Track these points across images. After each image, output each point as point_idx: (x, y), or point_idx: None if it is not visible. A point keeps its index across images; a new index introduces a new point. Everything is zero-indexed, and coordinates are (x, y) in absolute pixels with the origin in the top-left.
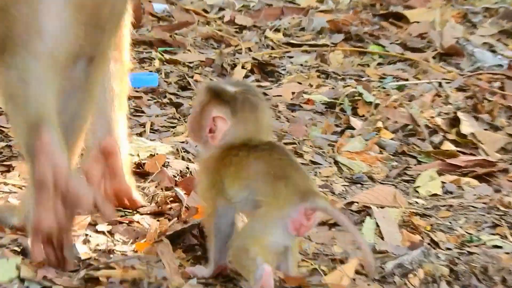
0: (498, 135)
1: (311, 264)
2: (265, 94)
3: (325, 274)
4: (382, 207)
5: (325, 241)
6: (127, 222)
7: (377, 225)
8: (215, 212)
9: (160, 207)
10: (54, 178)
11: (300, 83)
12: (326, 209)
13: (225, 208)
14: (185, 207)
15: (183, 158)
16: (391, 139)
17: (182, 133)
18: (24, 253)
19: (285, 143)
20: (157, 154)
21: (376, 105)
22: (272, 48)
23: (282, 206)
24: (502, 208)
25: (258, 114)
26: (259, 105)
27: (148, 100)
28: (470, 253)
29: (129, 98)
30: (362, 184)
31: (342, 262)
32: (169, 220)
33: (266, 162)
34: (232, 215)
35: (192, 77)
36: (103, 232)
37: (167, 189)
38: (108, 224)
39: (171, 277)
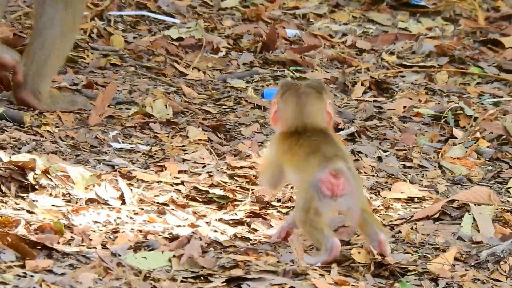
0: None
1: (416, 253)
2: (380, 107)
3: (429, 261)
4: (478, 205)
5: (430, 232)
6: (262, 214)
7: (474, 220)
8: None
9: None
10: None
11: (410, 99)
12: (343, 169)
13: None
14: None
15: None
16: (487, 147)
17: None
18: None
19: (397, 149)
20: None
21: (475, 118)
22: (387, 69)
23: (311, 171)
24: None
25: (299, 100)
26: (301, 94)
27: None
28: None
29: (265, 109)
30: (462, 185)
31: (443, 250)
32: None
33: (306, 145)
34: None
35: None
36: (241, 223)
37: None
38: (247, 216)
39: (298, 261)
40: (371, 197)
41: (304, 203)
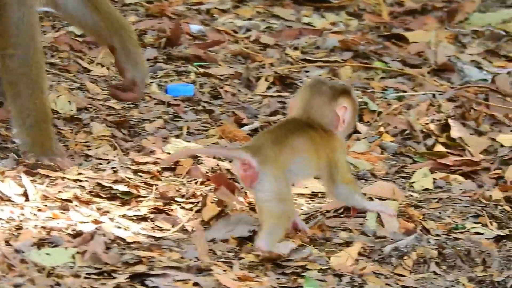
0: (482, 139)
1: (321, 247)
2: (284, 103)
3: (333, 256)
4: (382, 199)
5: (334, 227)
6: (166, 210)
7: (378, 215)
8: None
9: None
10: None
11: None
12: (250, 162)
13: None
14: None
15: (214, 157)
16: (391, 141)
17: (214, 135)
18: None
19: None
20: None
21: (379, 113)
22: (291, 64)
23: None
24: (484, 201)
25: (310, 95)
26: (316, 90)
27: (185, 107)
28: (456, 239)
29: (169, 105)
30: (366, 180)
31: (347, 245)
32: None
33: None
34: None
35: (222, 88)
36: (145, 219)
37: (201, 183)
38: (150, 212)
39: (201, 257)
40: None
41: None
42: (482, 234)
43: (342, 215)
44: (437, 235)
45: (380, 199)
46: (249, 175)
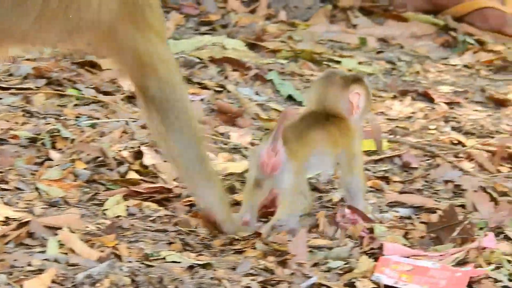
0: None
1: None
2: None
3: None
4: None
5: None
6: None
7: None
8: None
9: None
10: None
11: (7, 121)
12: (279, 151)
13: None
14: None
15: None
16: (84, 169)
17: None
18: None
19: None
20: None
21: (72, 140)
22: None
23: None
24: (178, 228)
25: (323, 85)
26: (328, 80)
27: None
28: (149, 266)
29: None
30: (59, 207)
31: (40, 273)
32: None
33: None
34: None
35: None
36: None
37: None
38: None
39: None
40: None
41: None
42: (177, 262)
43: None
44: (130, 262)
45: (67, 227)
46: (271, 163)
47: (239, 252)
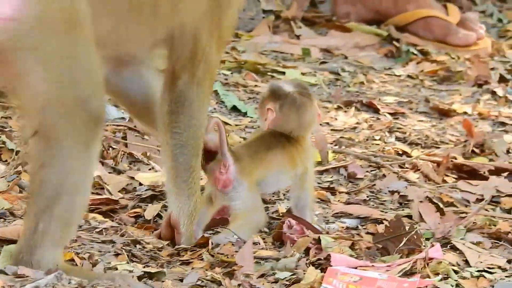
0: (120, 177)
1: None
2: None
3: None
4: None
5: None
6: None
7: None
8: None
9: None
10: None
11: None
12: (230, 167)
13: None
14: None
15: None
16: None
17: None
18: None
19: None
20: None
21: (17, 152)
22: None
23: None
24: (123, 240)
25: (300, 113)
26: (304, 106)
27: None
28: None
29: None
30: (5, 219)
31: None
32: None
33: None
34: None
35: None
36: None
37: None
38: None
39: None
40: None
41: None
42: (131, 271)
43: None
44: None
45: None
46: (223, 180)
47: (186, 263)
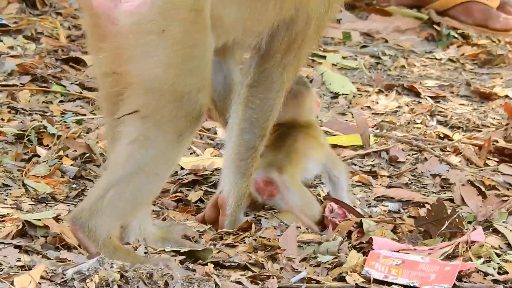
0: None
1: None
2: None
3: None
4: None
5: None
6: None
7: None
8: None
9: None
10: None
11: None
12: (274, 179)
13: None
14: None
15: None
16: (71, 165)
17: None
18: None
19: None
20: None
21: (58, 137)
22: None
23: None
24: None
25: (300, 100)
26: (302, 93)
27: None
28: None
29: None
30: (46, 204)
31: (30, 269)
32: None
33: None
34: None
35: None
36: None
37: None
38: None
39: None
40: None
41: None
42: (177, 252)
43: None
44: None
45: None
46: (268, 189)
47: (230, 246)
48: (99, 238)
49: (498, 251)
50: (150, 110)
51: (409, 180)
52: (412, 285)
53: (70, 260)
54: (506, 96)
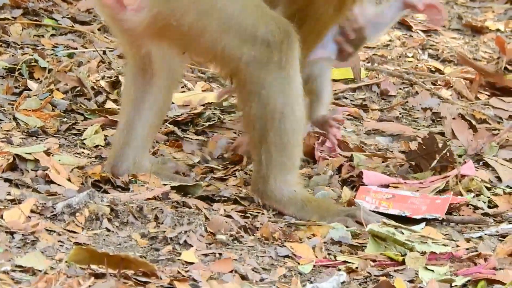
0: None
1: None
2: None
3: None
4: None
5: None
6: None
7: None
8: None
9: None
10: None
11: None
12: None
13: None
14: None
15: None
16: (62, 98)
17: None
18: None
19: None
20: None
21: (50, 70)
22: None
23: None
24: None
25: None
26: None
27: None
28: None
29: None
30: (37, 137)
31: (19, 202)
32: None
33: None
34: None
35: None
36: None
37: None
38: None
39: None
40: None
41: None
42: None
43: None
44: (106, 192)
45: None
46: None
47: (220, 180)
48: (282, 199)
49: (488, 185)
50: (241, 68)
51: (400, 113)
52: (403, 214)
53: (60, 194)
54: (498, 30)
